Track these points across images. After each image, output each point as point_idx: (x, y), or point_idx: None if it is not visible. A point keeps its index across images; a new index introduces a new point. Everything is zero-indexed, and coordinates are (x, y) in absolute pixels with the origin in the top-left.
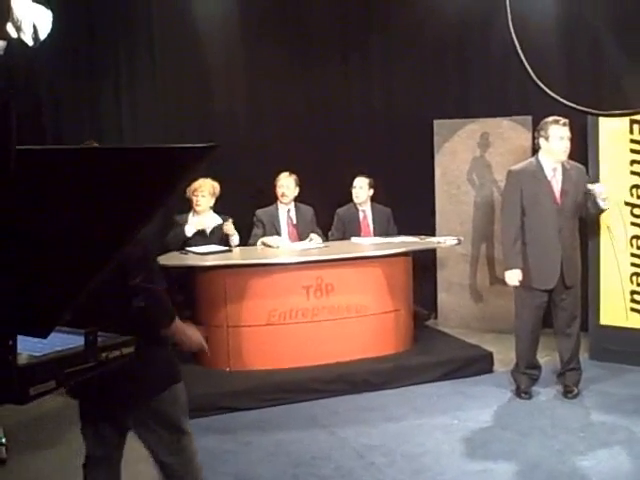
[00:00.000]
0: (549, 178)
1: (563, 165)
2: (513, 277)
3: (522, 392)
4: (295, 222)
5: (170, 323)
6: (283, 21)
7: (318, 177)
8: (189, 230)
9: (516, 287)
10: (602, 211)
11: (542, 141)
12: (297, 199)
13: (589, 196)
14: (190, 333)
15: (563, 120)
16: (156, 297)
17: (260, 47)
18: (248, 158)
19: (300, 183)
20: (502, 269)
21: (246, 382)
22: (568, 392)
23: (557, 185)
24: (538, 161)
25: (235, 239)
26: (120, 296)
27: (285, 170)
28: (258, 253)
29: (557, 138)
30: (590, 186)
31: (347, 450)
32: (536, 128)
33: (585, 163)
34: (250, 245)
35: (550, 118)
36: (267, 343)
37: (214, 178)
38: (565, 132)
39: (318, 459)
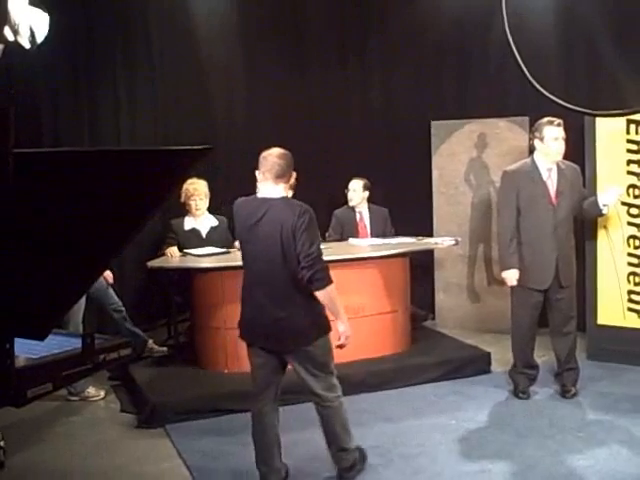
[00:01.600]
0: (544, 179)
1: (558, 165)
2: (511, 277)
3: (520, 392)
4: None
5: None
6: (281, 24)
7: (316, 178)
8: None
9: (512, 287)
10: (601, 215)
11: (537, 142)
12: None
13: (589, 197)
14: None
15: (557, 121)
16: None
17: (258, 50)
18: (246, 160)
19: (298, 184)
20: (499, 269)
21: (244, 384)
22: (566, 392)
23: (552, 185)
24: (533, 162)
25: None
26: None
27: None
28: None
29: (552, 139)
30: (606, 193)
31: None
32: (531, 129)
33: (582, 163)
34: None
35: (544, 119)
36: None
37: (209, 180)
38: (560, 133)
39: (317, 460)
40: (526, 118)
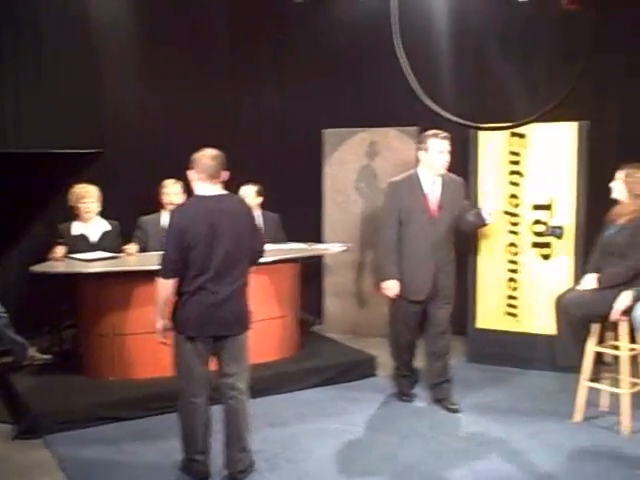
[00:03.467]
0: (426, 191)
1: (443, 178)
2: (391, 287)
3: (403, 395)
4: None
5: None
6: (176, 26)
7: None
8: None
9: (390, 297)
10: (484, 225)
11: (422, 153)
12: None
13: (473, 209)
14: None
15: (443, 134)
16: None
17: (152, 51)
18: (135, 164)
19: (186, 190)
20: (379, 279)
21: (131, 391)
22: (450, 405)
23: (434, 198)
24: (416, 174)
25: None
26: None
27: (171, 177)
28: (144, 260)
29: (436, 151)
30: (485, 203)
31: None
32: (416, 140)
33: (466, 175)
34: None
35: (430, 131)
36: (153, 351)
37: (100, 183)
38: (445, 146)
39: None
40: (416, 128)
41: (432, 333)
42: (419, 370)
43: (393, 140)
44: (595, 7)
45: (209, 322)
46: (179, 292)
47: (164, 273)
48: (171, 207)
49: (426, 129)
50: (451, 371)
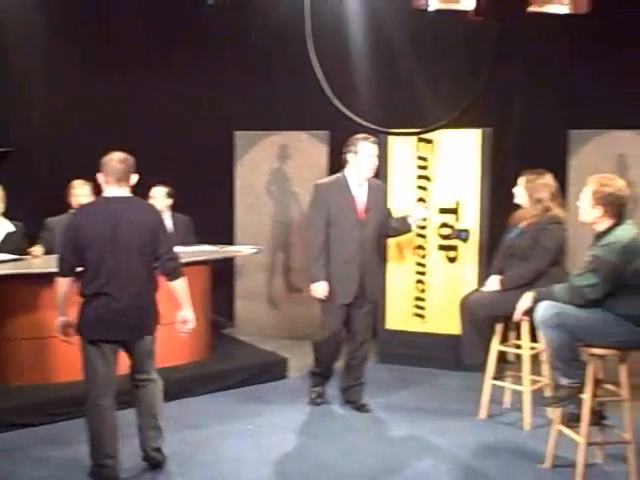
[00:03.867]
0: (354, 193)
1: (369, 182)
2: (319, 290)
3: (318, 398)
4: None
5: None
6: (87, 24)
7: None
8: None
9: (319, 299)
10: (409, 231)
11: (351, 156)
12: None
13: (397, 216)
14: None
15: (373, 138)
16: None
17: (62, 52)
18: (44, 163)
19: (96, 191)
20: (300, 278)
21: (40, 396)
22: (361, 407)
23: (361, 201)
24: (344, 176)
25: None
26: None
27: (80, 178)
28: (50, 262)
29: (366, 155)
30: (414, 210)
31: (143, 462)
32: (345, 143)
33: (378, 178)
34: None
35: (360, 135)
36: (62, 355)
37: (5, 183)
38: (374, 150)
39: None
40: (327, 132)
41: (354, 338)
42: (334, 371)
43: (304, 143)
44: (499, 18)
45: (112, 327)
46: (81, 294)
47: (60, 271)
48: None
49: (337, 133)
50: (364, 374)
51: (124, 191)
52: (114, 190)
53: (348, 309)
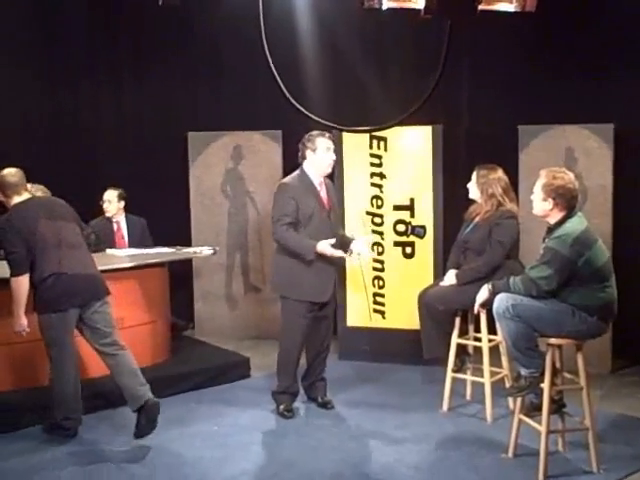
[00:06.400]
0: (318, 189)
1: (323, 179)
2: (325, 249)
3: (287, 412)
4: None
5: None
6: (30, 26)
7: (69, 191)
8: None
9: (287, 300)
10: (345, 251)
11: (309, 153)
12: None
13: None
14: None
15: (329, 134)
16: None
17: (2, 55)
18: None
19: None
20: (256, 277)
21: None
22: (326, 404)
23: (325, 198)
24: (305, 174)
25: None
26: None
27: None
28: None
29: (324, 149)
30: (357, 243)
31: (107, 464)
32: (300, 141)
33: (332, 176)
34: None
35: (315, 132)
36: (25, 361)
37: None
38: (332, 144)
39: (75, 474)
40: (279, 131)
41: (319, 338)
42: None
43: (258, 143)
44: (449, 16)
45: (75, 293)
46: (37, 281)
47: (17, 270)
48: None
49: (290, 132)
50: (325, 369)
51: (27, 194)
52: (20, 197)
53: (315, 309)
